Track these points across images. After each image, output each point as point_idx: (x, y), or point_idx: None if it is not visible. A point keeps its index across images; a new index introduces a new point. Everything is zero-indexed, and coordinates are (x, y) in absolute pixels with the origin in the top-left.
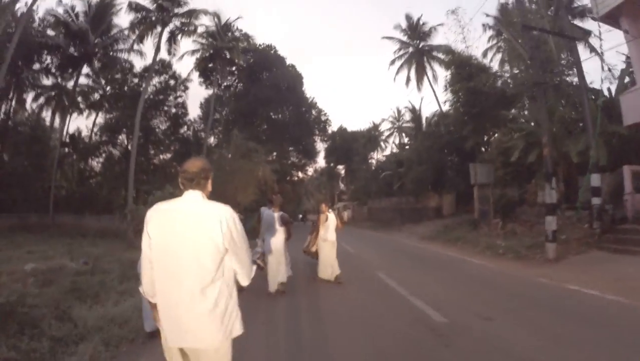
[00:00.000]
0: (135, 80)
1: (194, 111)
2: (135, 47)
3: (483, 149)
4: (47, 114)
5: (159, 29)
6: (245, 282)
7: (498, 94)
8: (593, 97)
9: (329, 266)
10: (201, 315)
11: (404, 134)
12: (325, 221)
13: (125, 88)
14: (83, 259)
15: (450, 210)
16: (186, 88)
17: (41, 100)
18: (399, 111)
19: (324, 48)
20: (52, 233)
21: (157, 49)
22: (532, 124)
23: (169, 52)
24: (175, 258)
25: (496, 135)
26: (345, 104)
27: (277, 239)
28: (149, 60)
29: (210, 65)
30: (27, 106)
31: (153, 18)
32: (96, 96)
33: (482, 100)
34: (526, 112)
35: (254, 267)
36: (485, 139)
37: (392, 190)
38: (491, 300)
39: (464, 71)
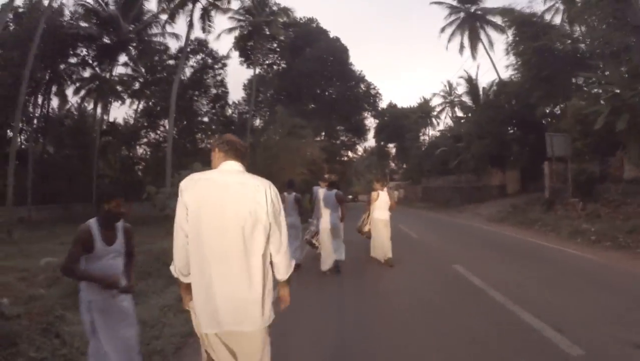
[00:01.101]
0: (172, 62)
1: (238, 94)
2: (169, 29)
3: (552, 119)
4: (89, 106)
5: (190, 5)
6: (282, 275)
7: (571, 54)
8: None
9: (380, 246)
10: (245, 295)
11: (457, 108)
12: (376, 199)
13: (162, 71)
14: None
15: (516, 188)
16: (224, 65)
17: (82, 92)
18: (450, 85)
19: (368, 21)
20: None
21: (190, 26)
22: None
23: (204, 30)
24: (216, 231)
25: (571, 102)
26: (394, 80)
27: (333, 218)
28: (184, 41)
29: (250, 43)
30: (70, 98)
31: None
32: (137, 84)
33: (552, 61)
34: (607, 74)
35: (293, 262)
36: (557, 107)
37: (449, 168)
38: (624, 312)
39: (529, 30)
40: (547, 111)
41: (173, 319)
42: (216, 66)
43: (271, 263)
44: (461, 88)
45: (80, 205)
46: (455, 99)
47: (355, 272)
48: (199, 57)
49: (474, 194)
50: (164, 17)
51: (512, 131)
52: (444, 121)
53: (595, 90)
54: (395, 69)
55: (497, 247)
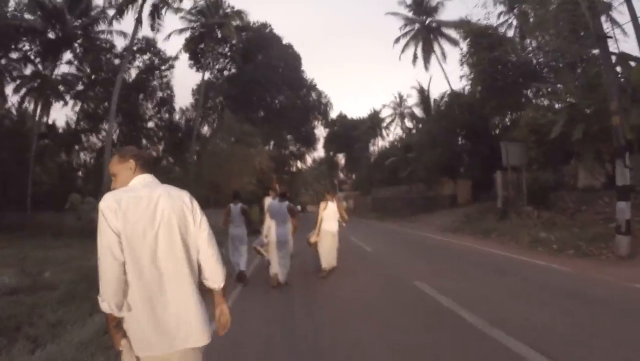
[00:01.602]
0: (118, 61)
1: (186, 99)
2: (117, 26)
3: (504, 129)
4: (30, 106)
5: (139, 0)
6: (218, 282)
7: (524, 66)
8: None
9: (325, 256)
10: (194, 309)
11: (406, 120)
12: (324, 208)
13: (107, 71)
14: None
15: (467, 198)
16: (172, 67)
17: (23, 91)
18: (401, 96)
19: (321, 30)
20: (26, 233)
21: (138, 23)
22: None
23: (152, 28)
24: (154, 250)
25: (525, 112)
26: (345, 90)
27: (282, 230)
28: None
29: (201, 46)
30: (9, 97)
31: None
32: (80, 85)
33: (506, 73)
34: (559, 86)
35: (224, 270)
36: (508, 118)
37: (399, 178)
38: (610, 326)
39: (484, 41)
40: (499, 121)
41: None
42: (163, 67)
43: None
44: (412, 99)
45: (15, 214)
46: (405, 110)
47: (306, 288)
48: (145, 57)
49: (425, 204)
50: (112, 13)
51: (463, 141)
52: (394, 132)
53: (547, 101)
54: (346, 79)
55: (458, 259)
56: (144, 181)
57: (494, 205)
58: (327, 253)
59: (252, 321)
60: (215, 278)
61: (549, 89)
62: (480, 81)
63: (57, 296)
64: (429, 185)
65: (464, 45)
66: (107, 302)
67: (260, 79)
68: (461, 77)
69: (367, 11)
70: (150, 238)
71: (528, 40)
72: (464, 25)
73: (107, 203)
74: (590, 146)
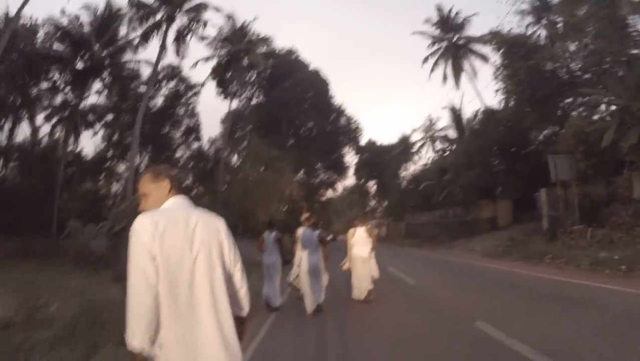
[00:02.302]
0: (144, 89)
1: (214, 129)
2: (144, 55)
3: (545, 143)
4: (61, 134)
5: (164, 27)
6: (244, 310)
7: (562, 74)
8: None
9: (358, 284)
10: (233, 348)
11: (437, 143)
12: (353, 235)
13: (134, 99)
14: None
15: (508, 220)
16: (197, 93)
17: (53, 120)
18: (431, 119)
19: (347, 56)
20: (52, 259)
21: (162, 48)
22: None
23: (177, 54)
24: (192, 277)
25: (570, 121)
26: (374, 116)
27: (314, 258)
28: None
29: (228, 74)
30: (41, 125)
31: (157, 14)
32: (110, 115)
33: (545, 81)
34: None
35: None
36: (549, 130)
37: (433, 203)
38: None
39: (519, 49)
40: (541, 135)
41: None
42: (189, 94)
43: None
44: (443, 121)
45: (42, 240)
46: (436, 134)
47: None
48: (171, 84)
49: (463, 228)
50: (137, 40)
51: (501, 160)
52: (426, 156)
53: (600, 99)
54: (375, 104)
55: (517, 290)
56: (180, 203)
57: (539, 226)
58: (359, 280)
59: (284, 350)
60: (244, 306)
61: (591, 95)
62: (519, 92)
63: (52, 334)
64: (467, 208)
65: (496, 58)
66: (138, 338)
67: (288, 103)
68: (496, 91)
69: (394, 32)
70: (188, 265)
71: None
72: (496, 36)
73: (143, 224)
74: None
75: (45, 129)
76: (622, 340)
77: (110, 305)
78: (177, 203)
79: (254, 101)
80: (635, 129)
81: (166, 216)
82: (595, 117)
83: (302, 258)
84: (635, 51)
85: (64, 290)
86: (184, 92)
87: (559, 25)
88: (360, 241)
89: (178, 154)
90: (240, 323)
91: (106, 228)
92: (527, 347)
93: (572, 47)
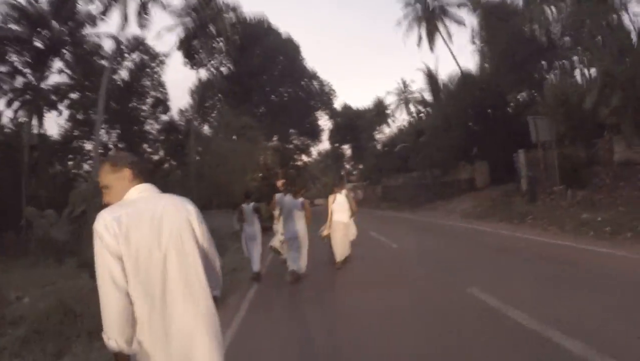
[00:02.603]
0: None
1: (184, 100)
2: (105, 28)
3: (523, 106)
4: (24, 118)
5: None
6: (215, 291)
7: (541, 38)
8: None
9: (342, 250)
10: (212, 336)
11: (411, 105)
12: (333, 202)
13: (96, 75)
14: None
15: (485, 181)
16: (162, 62)
17: (15, 104)
18: (404, 82)
19: (319, 19)
20: (19, 252)
21: (123, 18)
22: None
23: (140, 25)
24: (165, 272)
25: (548, 83)
26: (346, 82)
27: (299, 226)
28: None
29: (195, 42)
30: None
31: None
32: (74, 93)
33: (524, 45)
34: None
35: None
36: (526, 93)
37: (409, 165)
38: None
39: (498, 12)
40: (517, 98)
41: None
42: (153, 64)
43: None
44: (416, 85)
45: (12, 232)
46: (410, 97)
47: (335, 297)
48: (135, 55)
49: (442, 190)
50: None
51: (478, 123)
52: (400, 118)
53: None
54: (349, 70)
55: (505, 253)
56: (144, 192)
57: (517, 187)
58: (340, 244)
59: (267, 322)
60: (217, 286)
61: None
62: (496, 54)
63: (23, 332)
64: (445, 170)
65: (473, 20)
66: (114, 340)
67: (258, 70)
68: (473, 52)
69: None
70: (158, 259)
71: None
72: None
73: (105, 223)
74: (628, 115)
75: (9, 115)
76: (623, 306)
77: (80, 295)
78: (141, 193)
79: (223, 70)
80: (618, 92)
81: (129, 210)
82: (572, 80)
83: (287, 225)
84: (615, 16)
85: (34, 284)
86: (149, 63)
87: None
88: (340, 208)
89: (147, 127)
90: (215, 301)
91: (66, 213)
92: (526, 316)
93: (553, 10)
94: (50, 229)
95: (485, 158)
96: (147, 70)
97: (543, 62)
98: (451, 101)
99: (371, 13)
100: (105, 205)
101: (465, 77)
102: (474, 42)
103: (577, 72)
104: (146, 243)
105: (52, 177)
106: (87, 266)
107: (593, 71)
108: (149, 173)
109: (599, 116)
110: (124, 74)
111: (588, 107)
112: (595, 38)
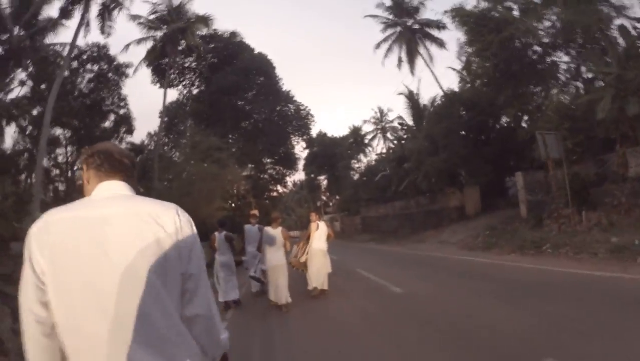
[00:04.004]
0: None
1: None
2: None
3: (517, 124)
4: None
5: None
6: (211, 356)
7: (539, 46)
8: None
9: (315, 276)
10: None
11: (389, 134)
12: (316, 229)
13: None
14: None
15: (475, 209)
16: (124, 75)
17: None
18: (381, 111)
19: (296, 45)
20: None
21: (82, 21)
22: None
23: (103, 31)
24: (98, 306)
25: (549, 96)
26: (323, 109)
27: (281, 255)
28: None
29: (165, 61)
30: None
31: None
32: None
33: (520, 55)
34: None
35: (226, 334)
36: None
37: (391, 194)
38: None
39: (489, 22)
40: (514, 113)
41: None
42: (115, 76)
43: None
44: (394, 113)
45: None
46: (387, 125)
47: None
48: (96, 67)
49: (428, 219)
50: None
51: (466, 144)
52: (378, 148)
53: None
54: (325, 99)
55: (558, 296)
56: (105, 191)
57: (513, 213)
58: (318, 271)
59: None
60: (212, 349)
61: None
62: (491, 67)
63: None
64: (432, 197)
65: (459, 35)
66: None
67: (231, 89)
68: (463, 69)
69: (344, 27)
70: (90, 285)
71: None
72: (460, 12)
73: (34, 229)
74: None
75: None
76: None
77: None
78: (99, 192)
79: (194, 90)
80: (633, 98)
81: (69, 212)
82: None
83: (268, 255)
84: (618, 22)
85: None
86: (113, 75)
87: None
88: (321, 236)
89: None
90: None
91: None
92: None
93: (545, 23)
94: None
95: (475, 183)
96: (110, 83)
97: (540, 74)
98: (438, 121)
99: (347, 42)
100: None
101: (450, 96)
102: (460, 58)
103: (576, 84)
104: (76, 263)
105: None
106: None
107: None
108: (119, 168)
109: (608, 129)
110: (83, 86)
111: (600, 118)
112: (594, 45)
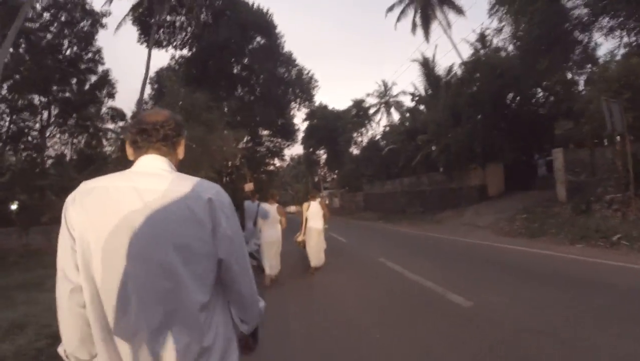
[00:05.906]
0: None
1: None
2: None
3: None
4: None
5: None
6: (245, 326)
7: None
8: None
9: (317, 255)
10: None
11: (392, 109)
12: (307, 208)
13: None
14: None
15: (499, 189)
16: (100, 24)
17: None
18: (385, 84)
19: (300, 15)
20: None
21: None
22: None
23: None
24: (134, 273)
25: (608, 59)
26: (324, 83)
27: (276, 231)
28: None
29: (152, 20)
30: None
31: None
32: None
33: (562, 19)
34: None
35: (262, 303)
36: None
37: (397, 170)
38: None
39: None
40: (550, 87)
41: None
42: (84, 23)
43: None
44: (397, 88)
45: None
46: (391, 100)
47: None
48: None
49: (445, 198)
50: None
51: (495, 116)
52: (380, 123)
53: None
54: (328, 72)
55: None
56: (143, 167)
57: (546, 195)
58: (315, 250)
59: None
60: (248, 317)
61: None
62: (536, 24)
63: None
64: (448, 174)
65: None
66: (64, 348)
67: (224, 45)
68: (497, 30)
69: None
70: (120, 259)
71: None
72: None
73: (73, 195)
74: None
75: None
76: None
77: None
78: (137, 167)
79: (186, 52)
80: None
81: (105, 182)
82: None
83: (264, 232)
84: None
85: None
86: (85, 24)
87: None
88: (314, 215)
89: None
90: (245, 343)
91: None
92: None
93: None
94: None
95: (500, 160)
96: (80, 32)
97: (586, 38)
98: (459, 90)
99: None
100: None
101: (477, 62)
102: (494, 15)
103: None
104: (105, 230)
105: None
106: None
107: None
108: (159, 140)
109: None
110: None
111: None
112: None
